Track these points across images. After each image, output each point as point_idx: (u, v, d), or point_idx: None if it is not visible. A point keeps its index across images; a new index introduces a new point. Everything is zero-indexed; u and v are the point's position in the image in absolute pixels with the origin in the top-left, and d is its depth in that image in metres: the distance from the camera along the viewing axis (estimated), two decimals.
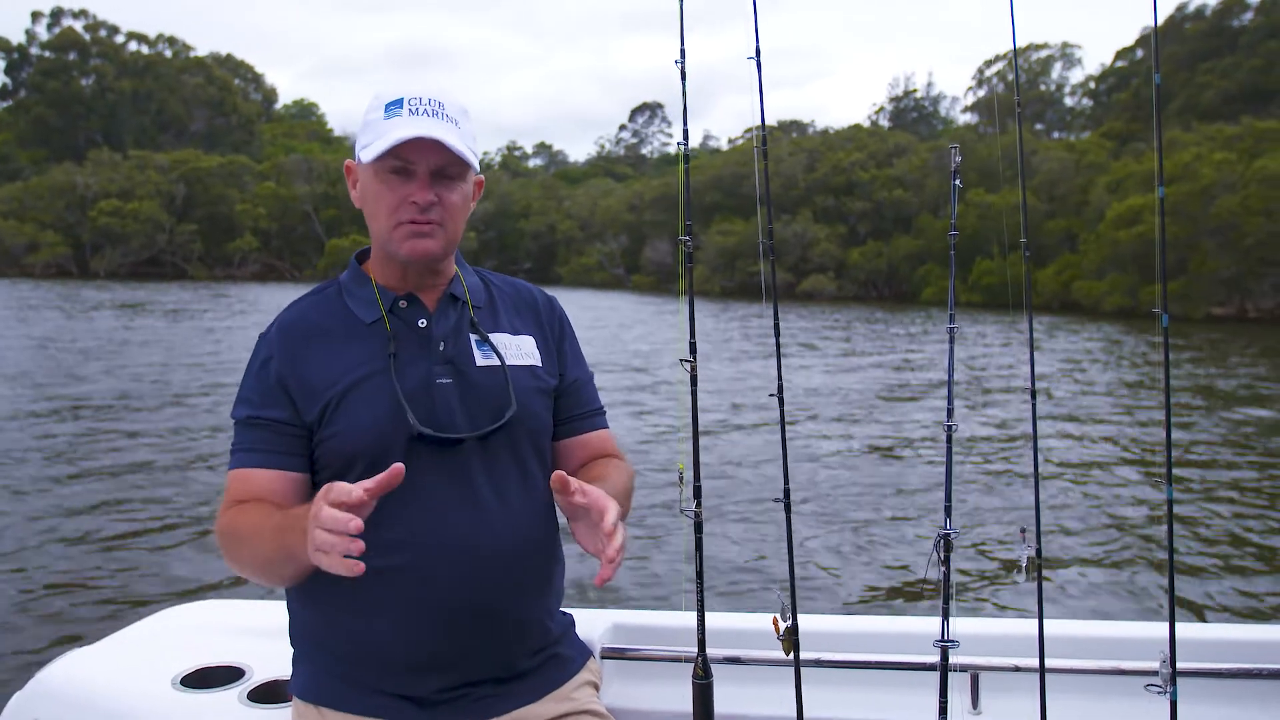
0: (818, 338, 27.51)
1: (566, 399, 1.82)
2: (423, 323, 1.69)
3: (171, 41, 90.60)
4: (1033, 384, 2.13)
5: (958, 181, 1.98)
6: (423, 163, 1.61)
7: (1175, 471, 1.79)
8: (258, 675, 2.10)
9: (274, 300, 39.52)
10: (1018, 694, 1.98)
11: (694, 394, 1.70)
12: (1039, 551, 1.93)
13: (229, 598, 3.19)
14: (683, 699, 1.84)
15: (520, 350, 1.75)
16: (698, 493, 1.73)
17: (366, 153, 1.61)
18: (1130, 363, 22.51)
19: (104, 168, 68.70)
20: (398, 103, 1.61)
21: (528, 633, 1.72)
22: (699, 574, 1.73)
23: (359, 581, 1.39)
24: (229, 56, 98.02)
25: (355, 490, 1.33)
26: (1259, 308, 40.69)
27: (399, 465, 1.37)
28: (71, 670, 2.18)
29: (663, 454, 10.57)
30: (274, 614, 2.04)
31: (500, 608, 1.65)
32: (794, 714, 1.83)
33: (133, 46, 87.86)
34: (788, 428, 1.99)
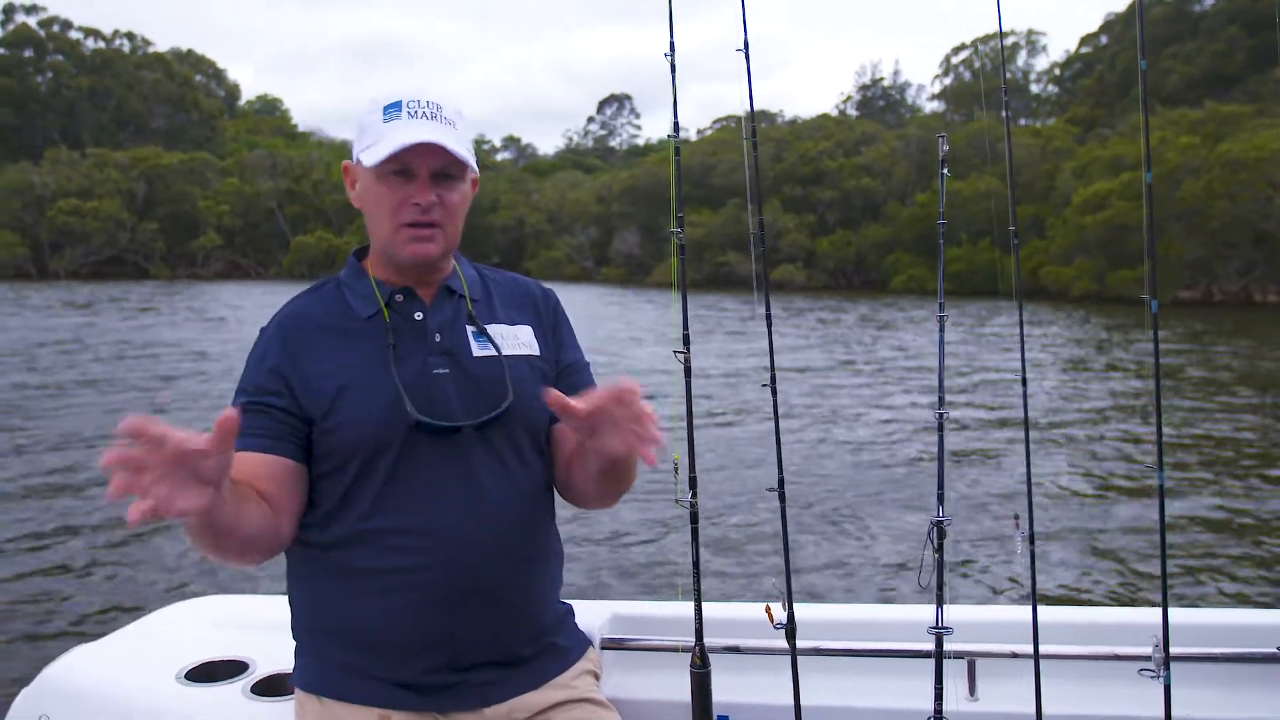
0: (795, 327, 27.45)
1: (563, 384, 1.78)
2: (419, 315, 1.72)
3: (130, 37, 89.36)
4: (1023, 371, 2.17)
5: (945, 170, 2.02)
6: (423, 165, 1.64)
7: (1165, 457, 1.85)
8: (261, 669, 2.12)
9: (241, 298, 39.01)
10: (1014, 680, 2.00)
11: (688, 385, 1.72)
12: (1032, 538, 1.97)
13: (232, 593, 3.24)
14: (681, 688, 1.89)
15: (518, 340, 1.77)
16: (693, 483, 1.77)
17: (368, 155, 1.63)
18: (1107, 348, 22.53)
19: (62, 166, 67.50)
20: (396, 105, 1.65)
21: (525, 619, 1.73)
22: (695, 564, 1.78)
23: (358, 569, 1.55)
24: (189, 52, 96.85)
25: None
26: (1224, 290, 41.03)
27: (229, 414, 1.28)
28: (77, 666, 2.20)
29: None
30: (277, 608, 2.06)
31: (497, 593, 1.67)
32: (791, 702, 1.84)
33: (90, 43, 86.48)
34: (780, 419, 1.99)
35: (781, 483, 1.90)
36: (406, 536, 1.63)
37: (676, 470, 1.79)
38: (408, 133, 1.60)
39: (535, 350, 1.78)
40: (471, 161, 1.68)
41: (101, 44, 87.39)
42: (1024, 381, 2.13)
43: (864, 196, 58.02)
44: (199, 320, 29.72)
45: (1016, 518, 1.96)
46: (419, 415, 1.61)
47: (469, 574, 1.64)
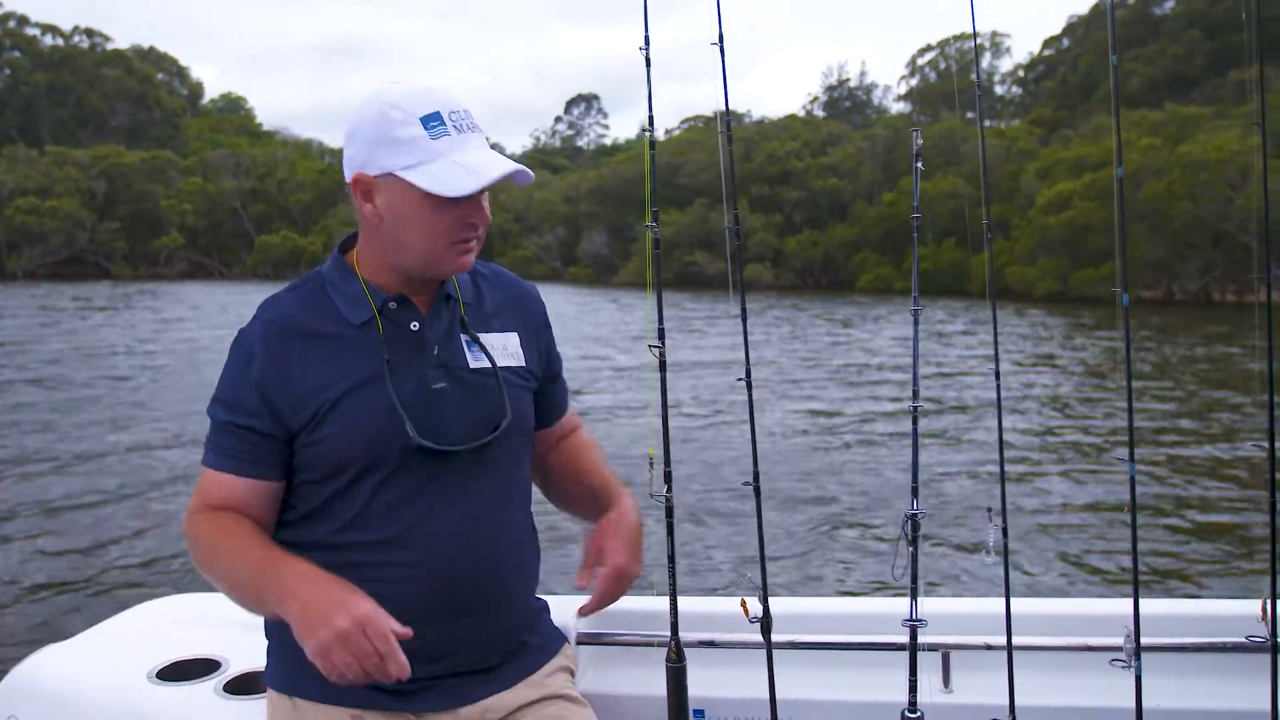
0: (764, 325, 27.47)
1: (546, 390, 1.84)
2: (415, 325, 1.66)
3: (89, 34, 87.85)
4: (997, 366, 2.17)
5: (919, 164, 1.96)
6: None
7: (1136, 450, 1.81)
8: (234, 667, 2.11)
9: (205, 298, 38.52)
10: (988, 671, 2.03)
11: (663, 380, 1.70)
12: (1005, 531, 1.98)
13: (203, 592, 3.20)
14: (657, 683, 1.89)
15: (506, 350, 1.74)
16: (668, 478, 1.77)
17: (427, 180, 1.53)
18: (1074, 345, 22.73)
19: (19, 164, 66.12)
20: (436, 117, 1.55)
21: (507, 626, 1.73)
22: (670, 558, 1.78)
23: (338, 569, 1.51)
24: (151, 49, 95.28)
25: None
26: (1185, 290, 41.57)
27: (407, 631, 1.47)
28: (46, 666, 2.19)
29: (625, 437, 10.59)
30: None
31: (482, 605, 1.67)
32: (766, 696, 1.84)
33: (48, 39, 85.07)
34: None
35: (756, 476, 1.92)
36: (392, 550, 1.61)
37: (651, 465, 1.80)
38: (478, 158, 1.55)
39: (521, 360, 1.76)
40: (529, 173, 1.63)
41: (60, 40, 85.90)
42: (997, 376, 2.13)
43: (831, 196, 58.22)
44: (157, 320, 29.27)
45: (990, 510, 1.98)
46: (420, 440, 1.58)
47: (455, 588, 1.63)
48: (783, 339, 23.94)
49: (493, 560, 1.67)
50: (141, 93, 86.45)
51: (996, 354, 2.22)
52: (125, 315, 31.11)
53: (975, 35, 2.24)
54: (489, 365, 1.69)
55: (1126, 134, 42.31)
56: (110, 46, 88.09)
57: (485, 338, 1.72)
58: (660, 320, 1.75)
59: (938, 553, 6.81)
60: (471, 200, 1.58)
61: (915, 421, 1.86)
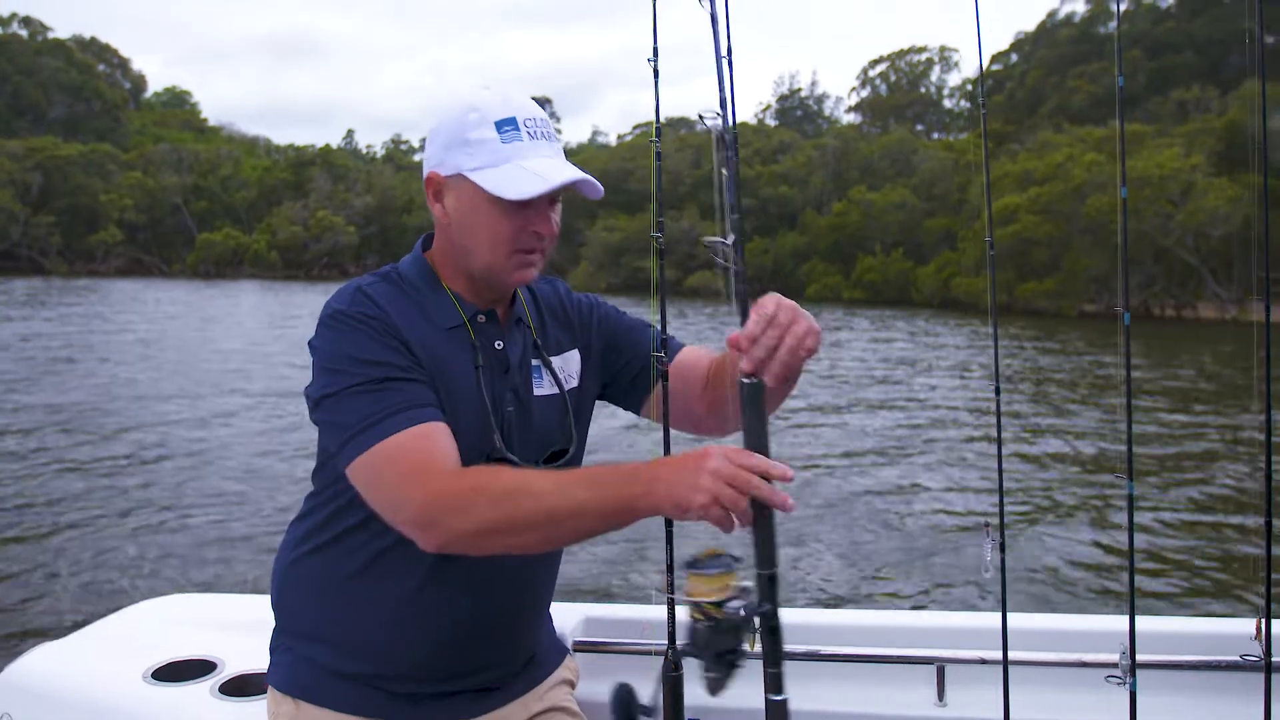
0: (709, 328, 27.37)
1: (638, 351, 1.77)
2: (499, 344, 1.63)
3: (27, 22, 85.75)
4: (997, 380, 2.19)
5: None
6: (548, 194, 1.54)
7: (1128, 466, 1.84)
8: (230, 668, 2.10)
9: (142, 294, 37.63)
10: (982, 686, 2.03)
11: (665, 389, 1.69)
12: (1002, 546, 2.00)
13: (200, 592, 3.23)
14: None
15: (566, 371, 1.72)
16: None
17: (492, 182, 1.51)
18: (1025, 357, 22.83)
19: None
20: (511, 122, 1.55)
21: (523, 650, 1.74)
22: (669, 566, 1.75)
23: (379, 592, 1.56)
24: (92, 40, 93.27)
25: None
26: (1127, 304, 42.25)
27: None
28: (40, 664, 2.18)
29: (619, 446, 10.56)
30: (246, 608, 2.08)
31: (509, 626, 1.67)
32: (763, 706, 1.75)
33: None
34: None
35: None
36: (440, 569, 1.56)
37: None
38: (545, 164, 1.53)
39: (577, 381, 1.74)
40: (598, 185, 1.59)
41: None
42: (997, 390, 2.15)
43: (780, 204, 58.52)
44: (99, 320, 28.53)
45: (988, 525, 1.98)
46: (504, 450, 1.55)
47: (491, 614, 1.63)
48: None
49: (526, 588, 1.68)
50: (81, 84, 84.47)
51: (997, 371, 2.20)
52: (96, 309, 30.22)
53: (980, 55, 2.25)
54: (556, 392, 1.69)
55: (1071, 149, 42.98)
56: (50, 36, 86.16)
57: (555, 361, 1.71)
58: (663, 329, 1.74)
59: (936, 567, 6.88)
60: (537, 208, 1.55)
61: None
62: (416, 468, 1.41)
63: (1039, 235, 39.97)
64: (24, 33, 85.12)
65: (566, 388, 1.70)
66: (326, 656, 1.63)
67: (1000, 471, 2.14)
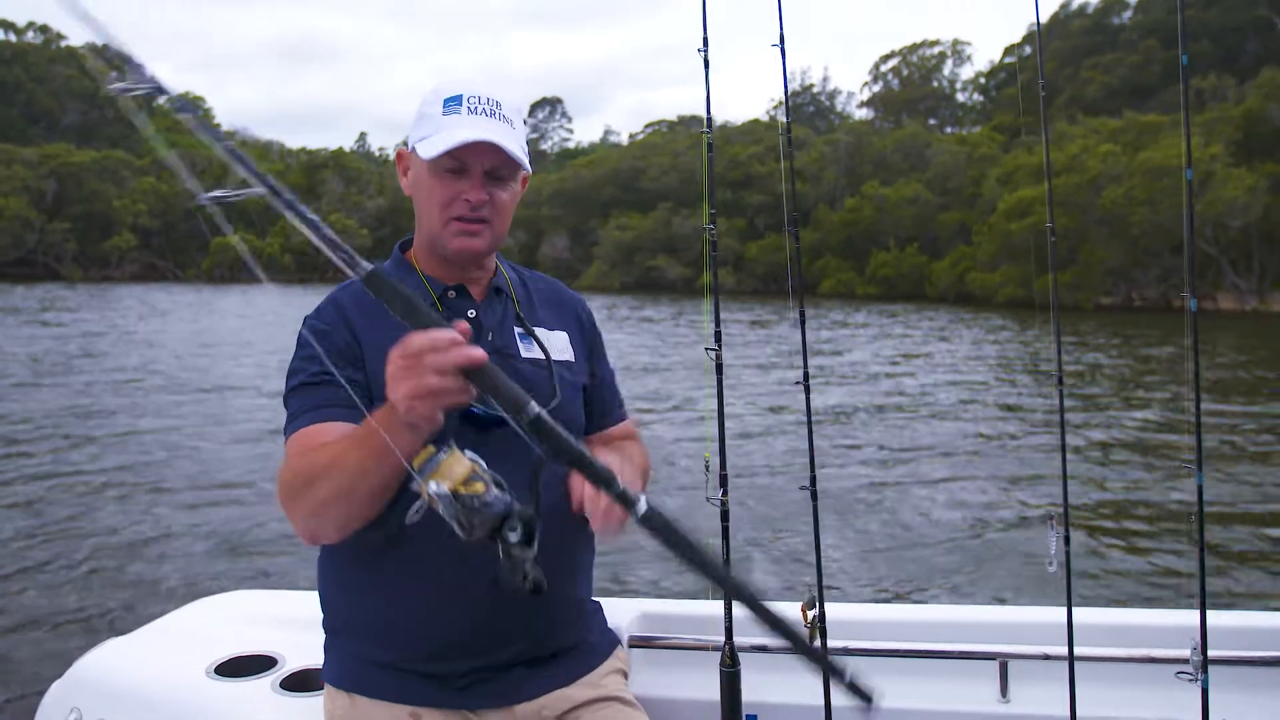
0: (739, 329, 27.16)
1: (597, 395, 1.86)
2: (471, 313, 1.72)
3: (43, 30, 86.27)
4: (1059, 373, 2.17)
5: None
6: (478, 163, 1.64)
7: (1196, 453, 1.77)
8: (290, 664, 2.13)
9: (158, 300, 37.72)
10: (1047, 682, 1.99)
11: (719, 382, 1.72)
12: (1067, 539, 1.96)
13: (262, 588, 3.27)
14: (710, 687, 1.90)
15: (555, 346, 1.77)
16: (724, 481, 1.80)
17: (424, 147, 1.64)
18: (1089, 352, 22.56)
19: None
20: (457, 99, 1.65)
21: (557, 615, 1.74)
22: (725, 562, 1.74)
23: (401, 568, 1.61)
24: (105, 47, 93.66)
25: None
26: (1144, 297, 41.88)
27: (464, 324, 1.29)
28: (108, 659, 2.21)
29: (668, 439, 10.67)
30: (306, 604, 2.08)
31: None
32: (821, 702, 1.83)
33: None
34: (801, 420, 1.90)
35: (814, 480, 1.91)
36: (442, 528, 1.50)
37: (708, 469, 1.83)
38: (465, 129, 1.60)
39: (570, 357, 1.80)
40: (525, 162, 1.67)
41: (12, 36, 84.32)
42: (1060, 382, 2.14)
43: (793, 201, 58.20)
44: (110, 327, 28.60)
45: (1051, 518, 1.94)
46: (475, 404, 1.51)
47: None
48: (785, 349, 23.62)
49: (546, 542, 1.61)
50: (95, 91, 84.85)
51: (1060, 364, 2.19)
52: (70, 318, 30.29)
53: (1041, 46, 2.22)
54: (541, 356, 1.73)
55: (1086, 140, 42.58)
56: (64, 44, 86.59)
57: (537, 331, 1.77)
58: (717, 323, 1.75)
59: (1001, 559, 6.84)
60: (469, 177, 1.64)
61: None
62: (284, 465, 1.58)
63: (1057, 227, 39.53)
64: (39, 41, 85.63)
65: (556, 359, 1.75)
66: (372, 648, 1.68)
67: (1064, 462, 2.09)
